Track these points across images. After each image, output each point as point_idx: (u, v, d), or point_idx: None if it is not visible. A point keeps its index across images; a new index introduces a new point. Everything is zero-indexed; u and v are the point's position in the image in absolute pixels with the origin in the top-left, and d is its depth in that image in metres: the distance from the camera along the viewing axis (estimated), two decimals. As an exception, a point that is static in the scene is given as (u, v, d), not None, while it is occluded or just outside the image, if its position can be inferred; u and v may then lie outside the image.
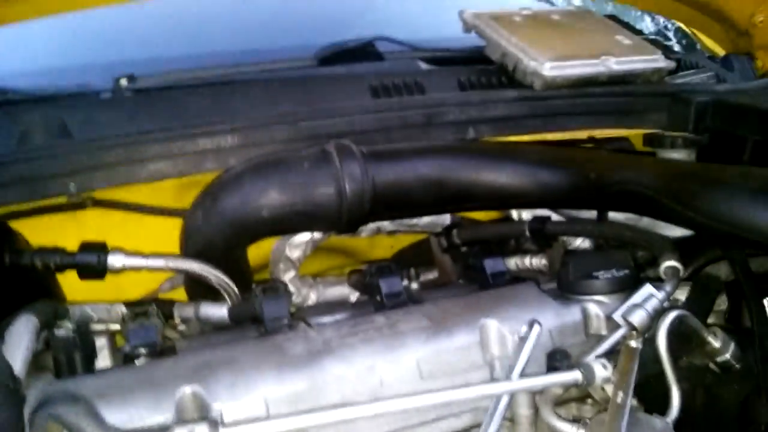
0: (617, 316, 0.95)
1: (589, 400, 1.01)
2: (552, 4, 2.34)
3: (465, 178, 1.21)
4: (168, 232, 1.27)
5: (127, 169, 1.23)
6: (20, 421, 0.73)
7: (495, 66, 1.47)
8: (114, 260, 1.14)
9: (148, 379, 0.87)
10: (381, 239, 1.51)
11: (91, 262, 1.13)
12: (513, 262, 1.35)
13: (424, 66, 1.57)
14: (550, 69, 1.36)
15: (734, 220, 0.93)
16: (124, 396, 0.84)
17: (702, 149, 1.34)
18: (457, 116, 1.35)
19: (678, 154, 1.34)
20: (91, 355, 1.02)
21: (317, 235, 1.36)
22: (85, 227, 1.31)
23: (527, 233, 1.25)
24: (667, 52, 1.57)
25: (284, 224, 1.18)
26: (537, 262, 1.34)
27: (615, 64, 1.41)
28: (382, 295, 1.16)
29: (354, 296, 1.40)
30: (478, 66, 1.50)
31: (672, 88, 1.44)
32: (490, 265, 1.21)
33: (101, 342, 1.07)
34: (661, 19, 2.82)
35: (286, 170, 1.16)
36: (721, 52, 1.89)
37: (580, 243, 1.28)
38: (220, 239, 1.17)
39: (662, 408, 0.91)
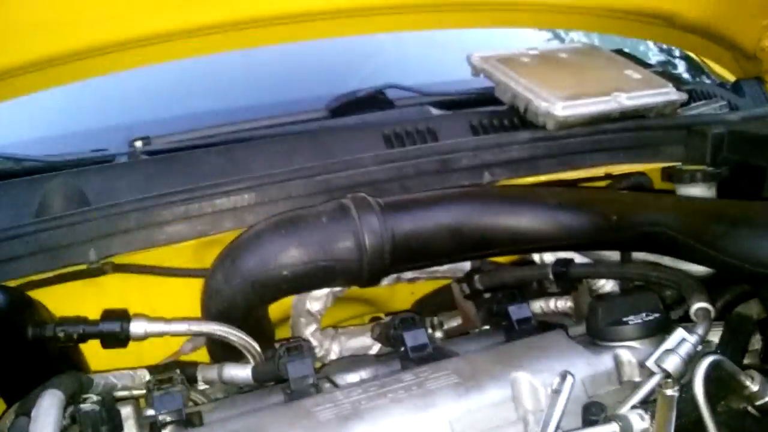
0: (651, 364, 0.93)
1: (628, 452, 0.98)
2: (561, 40, 2.35)
3: (484, 224, 1.20)
4: (189, 293, 1.27)
5: (145, 233, 1.24)
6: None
7: (506, 108, 1.47)
8: (136, 327, 1.14)
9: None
10: (401, 287, 1.50)
11: (115, 330, 1.13)
12: (537, 306, 1.34)
13: (435, 111, 1.58)
14: (562, 109, 1.36)
15: (762, 259, 0.92)
16: (153, 472, 0.82)
17: (722, 182, 1.33)
18: (472, 161, 1.34)
19: (698, 189, 1.32)
20: (117, 427, 1.00)
21: (337, 287, 1.35)
22: (106, 293, 1.31)
23: (551, 276, 1.24)
24: (678, 83, 1.57)
25: (305, 281, 1.18)
26: (562, 305, 1.32)
27: (627, 100, 1.40)
28: (407, 347, 1.15)
29: (376, 346, 1.39)
30: (489, 108, 1.50)
31: (686, 120, 1.43)
32: (515, 311, 1.19)
33: (127, 411, 1.05)
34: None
35: (304, 227, 1.15)
36: (730, 76, 1.89)
37: (604, 284, 1.26)
38: (241, 300, 1.16)
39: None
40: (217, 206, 1.24)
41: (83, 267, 1.24)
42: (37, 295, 1.28)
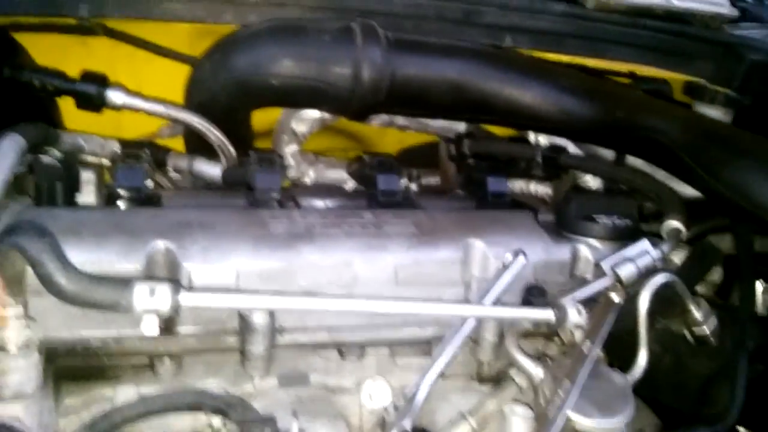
0: (606, 265, 0.92)
1: (557, 339, 1.00)
2: None
3: (488, 89, 1.15)
4: (174, 78, 1.23)
5: (142, 1, 1.17)
6: (-13, 242, 0.72)
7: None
8: (114, 96, 1.10)
9: (125, 226, 0.85)
10: (391, 132, 1.46)
11: (90, 92, 1.09)
12: (518, 185, 1.32)
13: (473, -42, 1.46)
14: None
15: (752, 196, 0.89)
16: (97, 237, 0.83)
17: (741, 111, 1.27)
18: (497, 20, 1.26)
19: (715, 111, 1.26)
20: (74, 187, 1.00)
21: (327, 114, 1.31)
22: (92, 56, 1.26)
23: (539, 159, 1.21)
24: (737, -2, 1.46)
25: (292, 96, 1.14)
26: (542, 190, 1.30)
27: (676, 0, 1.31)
28: (378, 189, 1.13)
29: (352, 183, 1.38)
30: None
31: (728, 38, 1.34)
32: (493, 183, 1.17)
33: (88, 175, 1.05)
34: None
35: (304, 40, 1.10)
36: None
37: (590, 180, 1.23)
38: (224, 97, 1.13)
39: (627, 366, 0.90)
40: (222, -5, 1.17)
41: (73, 21, 1.18)
42: (23, 40, 1.23)
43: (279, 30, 1.10)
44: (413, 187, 1.31)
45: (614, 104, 1.11)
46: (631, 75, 1.36)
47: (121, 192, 0.99)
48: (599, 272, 0.94)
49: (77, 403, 0.84)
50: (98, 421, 0.77)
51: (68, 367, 0.84)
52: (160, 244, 0.84)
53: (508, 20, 1.26)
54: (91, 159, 1.15)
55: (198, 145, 1.21)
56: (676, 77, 1.35)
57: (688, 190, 1.14)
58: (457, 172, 1.33)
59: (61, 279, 0.69)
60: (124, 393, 0.84)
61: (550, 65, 1.22)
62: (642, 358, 0.89)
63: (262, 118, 1.28)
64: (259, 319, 0.83)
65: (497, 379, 0.99)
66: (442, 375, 0.88)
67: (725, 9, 1.35)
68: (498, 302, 0.89)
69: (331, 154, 1.50)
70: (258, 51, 1.09)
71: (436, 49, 1.15)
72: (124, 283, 0.71)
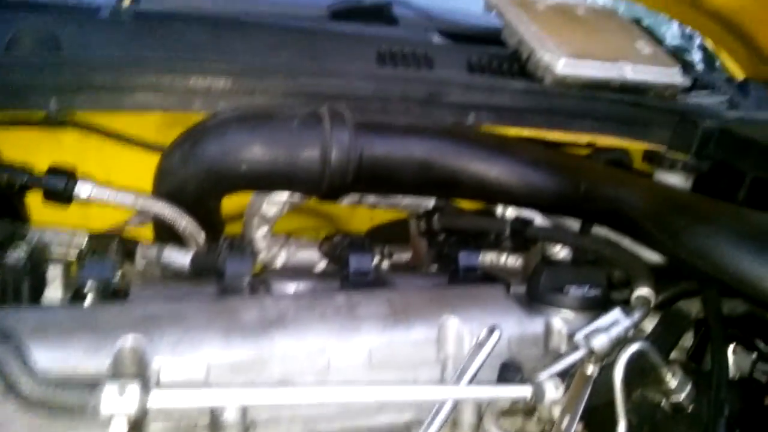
0: (579, 338, 0.92)
1: (537, 415, 0.99)
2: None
3: (454, 166, 1.18)
4: (144, 168, 1.23)
5: (113, 94, 1.19)
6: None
7: (509, 52, 1.42)
8: (82, 189, 1.11)
9: (91, 323, 0.84)
10: (362, 210, 1.48)
11: (58, 187, 1.09)
12: (488, 258, 1.33)
13: (436, 39, 1.52)
14: (563, 66, 1.32)
15: (716, 262, 0.91)
16: (62, 336, 0.81)
17: (700, 176, 1.31)
18: (460, 98, 1.30)
19: (675, 178, 1.30)
20: (40, 285, 0.99)
21: (296, 196, 1.33)
22: (62, 148, 1.27)
23: (507, 232, 1.23)
24: (686, 66, 1.52)
25: (262, 181, 1.15)
26: (512, 261, 1.31)
27: (630, 72, 1.36)
28: (349, 269, 1.13)
29: (323, 263, 1.38)
30: (491, 49, 1.45)
31: (682, 107, 1.40)
32: (464, 258, 1.18)
33: (56, 271, 1.04)
34: (688, 29, 2.74)
35: (273, 126, 1.12)
36: (740, 75, 1.84)
37: (559, 250, 1.25)
38: (194, 185, 1.14)
39: (606, 437, 0.90)
40: (191, 84, 1.20)
41: (42, 115, 1.19)
42: (-9, 136, 1.24)
43: (248, 117, 1.13)
44: (385, 264, 1.31)
45: (577, 177, 1.14)
46: (591, 145, 1.40)
47: (89, 286, 0.98)
48: (573, 345, 0.94)
49: None
50: None
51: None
52: (128, 340, 0.83)
53: (470, 99, 1.30)
54: (58, 253, 1.14)
55: (167, 234, 1.21)
56: (634, 146, 1.39)
57: (654, 256, 1.17)
58: (428, 248, 1.34)
59: (27, 384, 0.67)
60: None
61: (514, 141, 1.25)
62: (621, 429, 0.89)
63: (232, 201, 1.29)
64: (230, 416, 0.81)
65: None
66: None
67: (678, 79, 1.40)
68: (474, 381, 0.88)
69: (302, 234, 1.51)
70: (228, 138, 1.11)
71: (402, 129, 1.18)
72: (91, 385, 0.69)
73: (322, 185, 1.15)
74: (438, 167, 1.19)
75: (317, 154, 1.12)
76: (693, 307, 1.11)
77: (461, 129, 1.25)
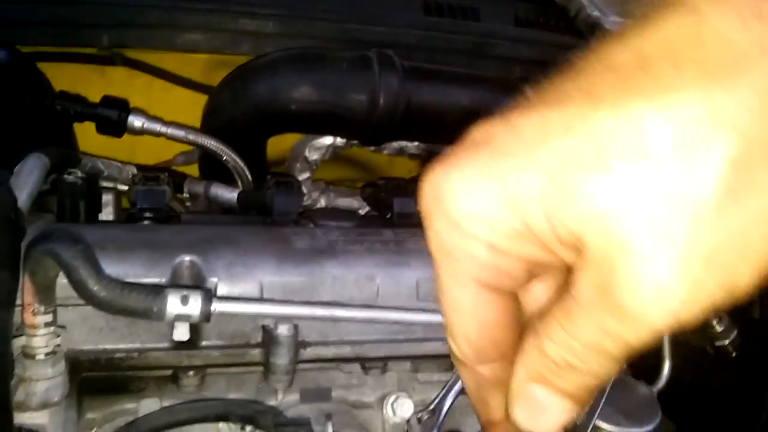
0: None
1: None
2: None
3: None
4: (190, 108, 1.25)
5: (163, 33, 1.21)
6: (17, 252, 0.72)
7: (557, 7, 1.41)
8: (135, 120, 1.12)
9: (150, 241, 0.86)
10: (402, 161, 1.48)
11: (112, 116, 1.11)
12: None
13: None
14: (611, 24, 1.31)
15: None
16: (122, 252, 0.83)
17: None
18: (507, 51, 1.30)
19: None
20: (96, 206, 1.00)
21: (340, 141, 1.33)
22: (110, 85, 1.29)
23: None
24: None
25: (310, 122, 1.16)
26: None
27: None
28: (393, 212, 1.14)
29: (363, 211, 1.39)
30: (539, 3, 1.44)
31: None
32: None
33: (107, 197, 1.06)
34: None
35: (323, 67, 1.13)
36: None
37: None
38: (242, 123, 1.15)
39: (649, 379, 0.90)
40: (239, 26, 1.21)
41: (93, 51, 1.21)
42: (43, 70, 1.26)
43: (298, 57, 1.13)
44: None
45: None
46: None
47: (143, 213, 1.00)
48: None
49: (99, 417, 0.83)
50: (123, 430, 0.76)
51: (90, 382, 0.83)
52: (185, 259, 0.85)
53: (517, 52, 1.30)
54: (108, 184, 1.16)
55: (213, 172, 1.23)
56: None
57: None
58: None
59: (95, 285, 0.69)
60: (147, 407, 0.83)
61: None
62: (665, 371, 0.90)
63: (274, 146, 1.30)
64: (283, 331, 0.83)
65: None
66: (464, 392, 0.88)
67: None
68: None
69: (341, 184, 1.52)
70: (278, 77, 1.12)
71: (450, 77, 1.18)
72: (157, 290, 0.71)
73: (369, 128, 1.16)
74: (483, 115, 1.19)
75: (365, 97, 1.12)
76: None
77: (509, 80, 1.25)
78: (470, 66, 1.28)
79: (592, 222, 0.27)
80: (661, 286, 0.27)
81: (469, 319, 0.34)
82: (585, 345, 0.29)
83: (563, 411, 0.32)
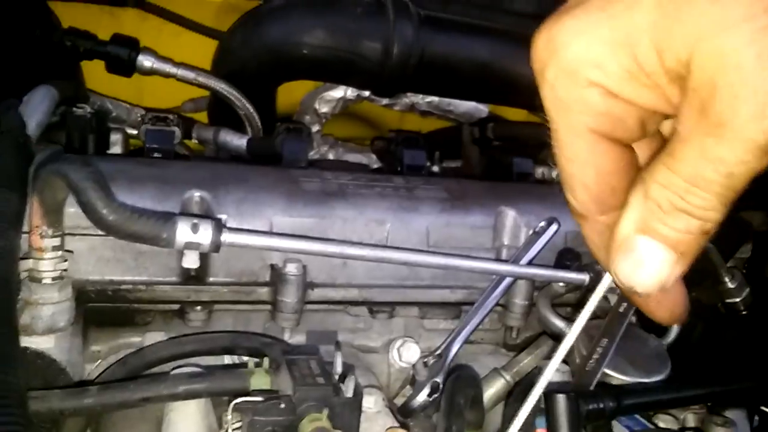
0: (638, 234, 0.92)
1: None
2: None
3: (518, 70, 1.16)
4: (201, 53, 1.23)
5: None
6: (25, 175, 0.71)
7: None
8: (144, 60, 1.11)
9: (160, 175, 0.84)
10: (412, 118, 1.47)
11: (122, 54, 1.09)
12: (540, 171, 1.31)
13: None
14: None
15: None
16: (131, 184, 0.82)
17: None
18: (522, 6, 1.28)
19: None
20: (104, 142, 0.99)
21: (351, 94, 1.32)
22: (121, 27, 1.27)
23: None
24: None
25: (322, 68, 1.14)
26: (565, 174, 1.30)
27: None
28: (403, 165, 1.13)
29: (373, 166, 1.37)
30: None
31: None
32: (519, 163, 1.17)
33: (116, 137, 1.04)
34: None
35: (337, 11, 1.11)
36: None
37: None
38: (254, 66, 1.13)
39: (659, 333, 0.89)
40: (253, -32, 1.19)
41: (105, -11, 1.19)
42: (53, 8, 1.24)
43: (311, 1, 1.11)
44: (435, 168, 1.30)
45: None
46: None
47: (152, 153, 0.99)
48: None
49: (104, 349, 0.83)
50: (130, 358, 0.75)
51: (96, 313, 0.82)
52: (195, 194, 0.83)
53: (536, 6, 1.27)
54: (116, 125, 1.14)
55: (222, 120, 1.21)
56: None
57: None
58: (480, 156, 1.33)
59: (104, 208, 0.67)
60: (153, 340, 0.82)
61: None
62: (675, 325, 0.88)
63: (284, 99, 1.28)
64: (292, 270, 0.82)
65: (523, 349, 0.97)
66: (469, 341, 0.88)
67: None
68: (533, 264, 0.88)
69: (351, 141, 1.51)
70: (291, 20, 1.10)
71: (467, 27, 1.16)
72: (167, 216, 0.70)
73: (381, 78, 1.14)
74: (499, 70, 1.17)
75: (379, 45, 1.10)
76: (755, 218, 1.09)
77: (525, 34, 1.22)
78: (488, 19, 1.25)
79: (697, 40, 0.28)
80: (758, 99, 0.27)
81: (587, 169, 0.35)
82: (687, 178, 0.30)
83: (665, 263, 0.32)
